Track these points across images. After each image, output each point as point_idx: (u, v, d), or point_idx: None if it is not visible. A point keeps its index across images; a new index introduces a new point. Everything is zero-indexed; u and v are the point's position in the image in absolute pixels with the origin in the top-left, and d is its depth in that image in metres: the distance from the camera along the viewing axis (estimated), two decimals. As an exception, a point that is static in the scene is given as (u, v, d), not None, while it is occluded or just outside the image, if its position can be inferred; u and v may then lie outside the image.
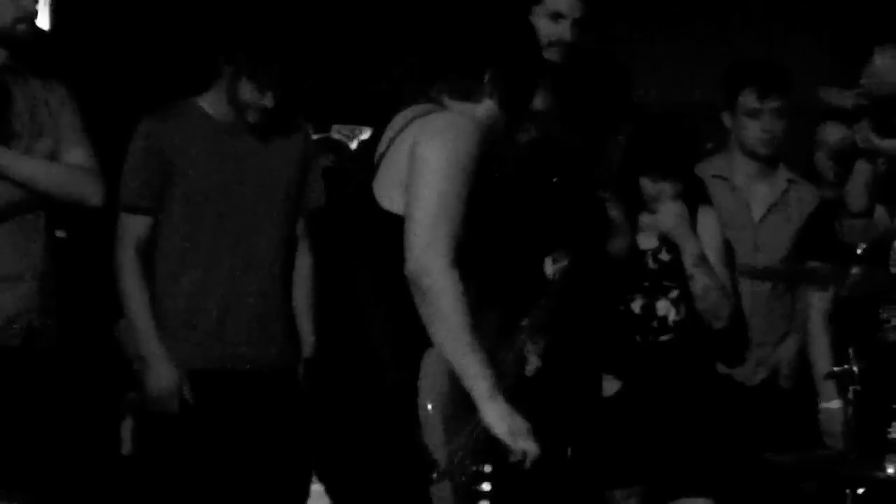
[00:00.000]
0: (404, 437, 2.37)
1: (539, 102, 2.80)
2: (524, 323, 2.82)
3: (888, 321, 3.15)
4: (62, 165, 3.02)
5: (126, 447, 3.85)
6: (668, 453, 3.15)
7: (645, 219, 3.21)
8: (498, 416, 2.32)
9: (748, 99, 3.38)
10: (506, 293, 2.70)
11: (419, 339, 2.39)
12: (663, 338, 3.19)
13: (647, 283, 3.22)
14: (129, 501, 3.68)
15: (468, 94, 2.46)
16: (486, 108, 2.46)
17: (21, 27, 2.92)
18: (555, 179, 3.00)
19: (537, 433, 2.40)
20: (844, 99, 3.52)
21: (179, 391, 3.08)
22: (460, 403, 2.42)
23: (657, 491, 3.22)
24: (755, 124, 3.40)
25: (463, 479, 2.41)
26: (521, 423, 2.35)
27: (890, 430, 2.47)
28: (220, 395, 3.15)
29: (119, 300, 3.17)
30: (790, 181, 3.49)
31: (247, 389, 3.17)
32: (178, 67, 3.51)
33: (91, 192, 3.04)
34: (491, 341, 2.52)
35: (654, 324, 3.21)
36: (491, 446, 2.40)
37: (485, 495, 2.40)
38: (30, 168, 2.97)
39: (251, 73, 3.05)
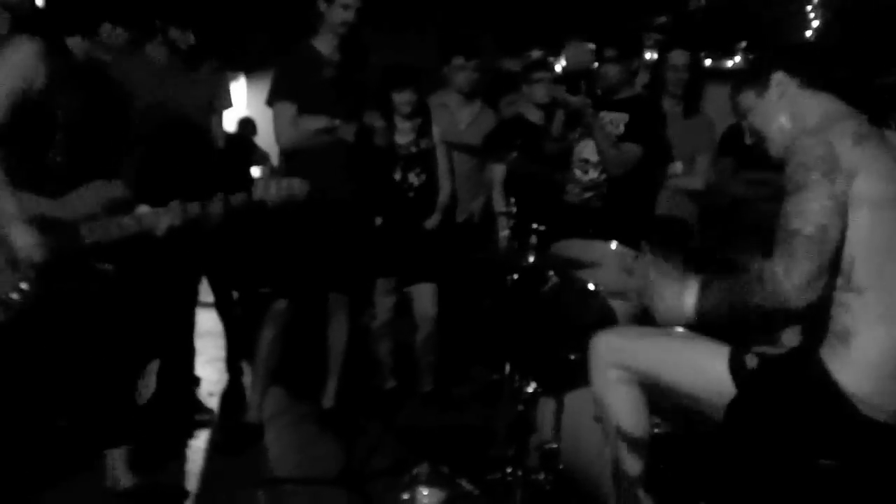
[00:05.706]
0: None
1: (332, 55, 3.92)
2: None
3: (568, 185, 4.12)
4: None
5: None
6: (409, 255, 4.38)
7: (400, 123, 4.31)
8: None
9: (457, 60, 4.72)
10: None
11: None
12: (410, 194, 4.46)
13: (402, 163, 4.41)
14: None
15: None
16: None
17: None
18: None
19: None
20: (513, 65, 4.90)
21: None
22: None
23: (399, 280, 4.46)
24: (463, 75, 4.75)
25: None
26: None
27: (529, 238, 3.27)
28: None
29: None
30: (481, 107, 4.90)
31: None
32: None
33: None
34: None
35: (406, 186, 4.45)
36: None
37: None
38: None
39: (176, 20, 4.06)
